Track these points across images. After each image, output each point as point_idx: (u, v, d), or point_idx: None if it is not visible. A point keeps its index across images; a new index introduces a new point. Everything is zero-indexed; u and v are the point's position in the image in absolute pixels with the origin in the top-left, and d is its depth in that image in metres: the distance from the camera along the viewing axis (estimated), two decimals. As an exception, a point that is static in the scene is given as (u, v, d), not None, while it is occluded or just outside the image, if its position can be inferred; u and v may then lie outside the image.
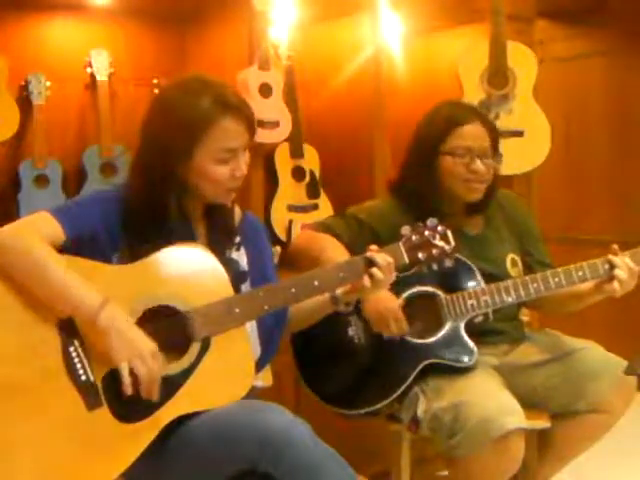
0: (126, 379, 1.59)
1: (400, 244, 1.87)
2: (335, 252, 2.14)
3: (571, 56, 4.23)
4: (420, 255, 1.87)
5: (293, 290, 1.77)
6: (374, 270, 1.81)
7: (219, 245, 1.83)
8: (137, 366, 1.59)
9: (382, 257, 1.83)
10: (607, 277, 2.13)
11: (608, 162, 4.21)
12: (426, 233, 1.88)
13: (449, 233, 1.90)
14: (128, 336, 1.60)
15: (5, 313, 1.62)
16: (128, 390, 1.59)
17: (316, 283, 1.79)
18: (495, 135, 2.30)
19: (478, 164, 2.22)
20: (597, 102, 4.22)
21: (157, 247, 1.71)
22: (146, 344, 1.61)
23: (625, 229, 4.00)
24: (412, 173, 2.31)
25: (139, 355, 1.60)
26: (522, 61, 3.04)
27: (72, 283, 1.61)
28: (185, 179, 1.75)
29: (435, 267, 1.90)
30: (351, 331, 2.22)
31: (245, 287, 1.87)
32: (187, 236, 1.77)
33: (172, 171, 1.73)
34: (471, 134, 2.24)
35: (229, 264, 1.81)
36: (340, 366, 2.23)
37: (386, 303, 2.10)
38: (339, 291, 1.89)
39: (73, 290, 1.61)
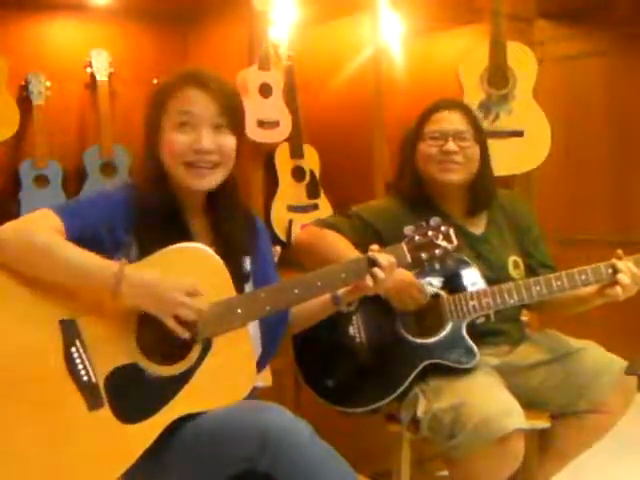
0: (179, 330, 1.63)
1: (403, 244, 1.87)
2: (342, 246, 2.14)
3: (571, 56, 4.24)
4: (423, 255, 1.87)
5: (296, 291, 1.76)
6: (376, 270, 1.81)
7: (223, 245, 1.82)
8: (182, 314, 1.62)
9: (384, 257, 1.83)
10: (610, 281, 2.13)
11: (608, 162, 4.21)
12: (429, 233, 1.87)
13: (452, 232, 1.89)
14: (158, 291, 1.62)
15: (6, 313, 1.62)
16: (185, 334, 1.63)
17: (319, 283, 1.78)
18: (476, 123, 2.33)
19: (450, 144, 2.26)
20: (597, 102, 4.23)
21: (160, 245, 1.70)
22: (177, 289, 1.62)
23: (625, 229, 4.01)
24: (399, 167, 2.37)
25: (178, 303, 1.62)
26: (522, 61, 3.04)
27: (81, 260, 1.61)
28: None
29: (437, 267, 1.90)
30: (352, 330, 2.22)
31: (248, 287, 1.86)
32: (190, 234, 1.77)
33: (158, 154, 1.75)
34: (446, 119, 2.30)
35: (232, 264, 1.81)
36: (341, 364, 2.23)
37: (401, 276, 2.08)
38: (341, 291, 1.89)
39: (85, 268, 1.61)
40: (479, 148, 2.31)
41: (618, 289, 2.11)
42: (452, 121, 2.29)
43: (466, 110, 2.35)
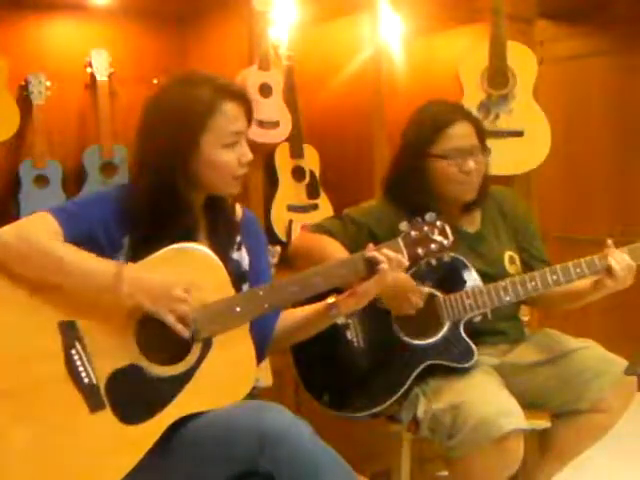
0: (178, 327, 1.64)
1: (399, 239, 1.86)
2: (336, 251, 2.14)
3: (571, 56, 4.24)
4: (419, 250, 1.86)
5: (294, 288, 1.76)
6: (379, 265, 1.80)
7: (220, 243, 1.83)
8: (178, 309, 1.64)
9: (381, 251, 1.82)
10: (604, 273, 2.12)
11: (608, 162, 4.21)
12: (425, 228, 1.87)
13: (447, 227, 1.89)
14: (155, 287, 1.64)
15: (6, 316, 1.62)
16: (185, 333, 1.65)
17: (317, 280, 1.78)
18: (481, 130, 2.30)
19: (470, 164, 2.22)
20: (597, 102, 4.23)
21: (160, 246, 1.70)
22: (174, 285, 1.64)
23: (625, 229, 4.01)
24: (402, 177, 2.29)
25: (174, 298, 1.63)
26: (522, 61, 3.04)
27: (80, 261, 1.63)
28: (195, 171, 1.76)
29: (434, 262, 1.90)
30: (350, 334, 2.21)
31: (245, 288, 1.86)
32: (190, 234, 1.77)
33: (185, 164, 1.74)
34: (459, 134, 2.23)
35: (230, 264, 1.81)
36: (339, 370, 2.22)
37: (401, 282, 2.07)
38: (341, 297, 1.87)
39: (84, 268, 1.63)
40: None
41: (612, 279, 2.10)
42: (464, 136, 2.23)
43: (471, 119, 2.29)
